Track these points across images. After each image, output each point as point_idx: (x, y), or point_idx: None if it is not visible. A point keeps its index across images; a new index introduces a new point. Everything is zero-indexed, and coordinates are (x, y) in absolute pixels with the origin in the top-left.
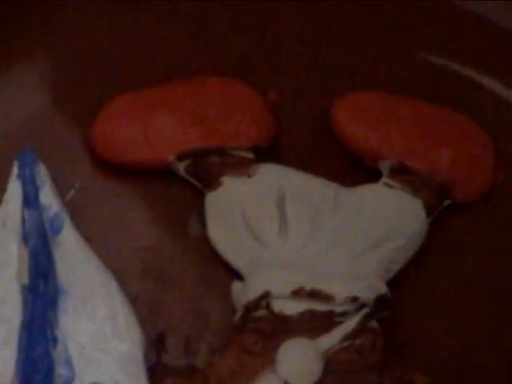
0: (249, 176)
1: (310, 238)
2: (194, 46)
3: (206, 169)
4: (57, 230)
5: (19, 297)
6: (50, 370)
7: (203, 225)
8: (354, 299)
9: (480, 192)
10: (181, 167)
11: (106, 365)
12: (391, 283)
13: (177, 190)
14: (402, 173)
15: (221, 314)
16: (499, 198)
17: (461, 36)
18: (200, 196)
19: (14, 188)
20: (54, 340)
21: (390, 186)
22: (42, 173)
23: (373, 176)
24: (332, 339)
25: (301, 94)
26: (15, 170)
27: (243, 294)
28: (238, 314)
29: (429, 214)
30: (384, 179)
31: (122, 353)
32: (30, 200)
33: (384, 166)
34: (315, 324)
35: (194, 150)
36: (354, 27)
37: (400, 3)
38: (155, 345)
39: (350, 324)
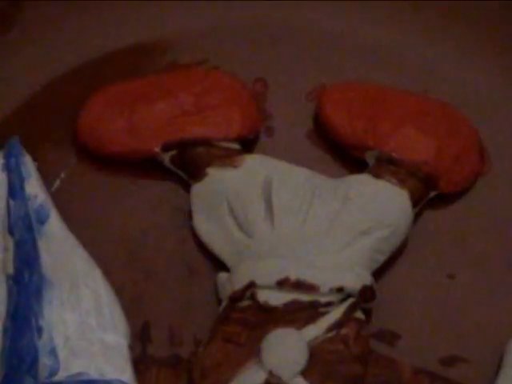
0: (235, 167)
1: (296, 228)
2: (180, 37)
3: (192, 160)
4: (42, 221)
5: (4, 287)
6: (34, 360)
7: (189, 215)
8: (339, 289)
9: (466, 183)
10: (166, 158)
11: (91, 355)
12: (376, 273)
13: (162, 181)
14: (387, 163)
15: (206, 305)
16: (485, 189)
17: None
18: (186, 187)
19: (0, 178)
20: (39, 330)
21: (376, 177)
22: (28, 163)
23: (359, 166)
24: (317, 329)
25: (287, 84)
26: (0, 161)
27: (228, 284)
28: (223, 305)
29: (414, 204)
30: (370, 170)
31: (107, 343)
32: (16, 190)
33: (370, 157)
34: (300, 314)
35: (180, 140)
36: (343, 16)
37: None
38: (140, 335)
39: (335, 314)
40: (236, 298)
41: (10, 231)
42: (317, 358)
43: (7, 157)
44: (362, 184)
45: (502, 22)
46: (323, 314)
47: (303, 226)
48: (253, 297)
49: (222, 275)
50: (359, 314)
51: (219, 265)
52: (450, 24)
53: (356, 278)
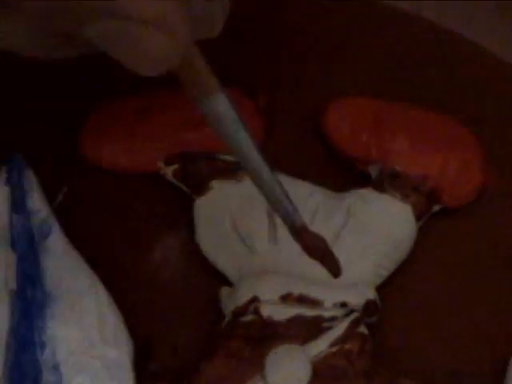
0: (238, 181)
1: None
2: None
3: (195, 174)
4: (45, 235)
5: (7, 302)
6: (37, 376)
7: (192, 230)
8: (343, 305)
9: (469, 197)
10: (169, 172)
11: (94, 371)
12: (380, 289)
13: (165, 195)
14: (391, 177)
15: (209, 320)
16: (488, 203)
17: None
18: (189, 201)
19: (2, 193)
20: (42, 346)
21: (380, 191)
22: (30, 178)
23: (362, 180)
24: (320, 345)
25: (290, 98)
26: (3, 175)
27: (231, 299)
28: (226, 320)
29: (418, 218)
30: (373, 184)
31: (110, 359)
32: (18, 205)
33: (374, 171)
34: (304, 329)
35: (182, 154)
36: (343, 32)
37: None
38: (143, 351)
39: (339, 329)
40: (239, 312)
41: (13, 246)
42: (320, 374)
43: (10, 171)
44: (365, 199)
45: None
46: (327, 328)
47: None
48: (256, 312)
49: (225, 290)
50: (363, 329)
51: (222, 279)
52: None
53: (359, 293)
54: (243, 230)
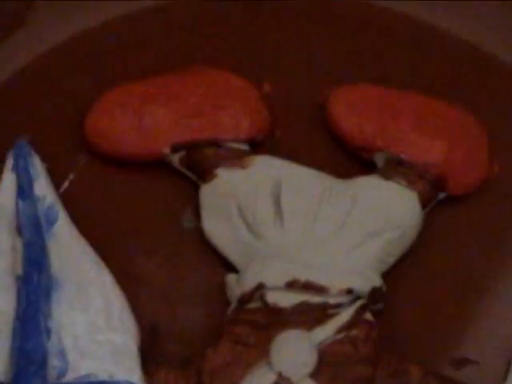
0: (244, 168)
1: (305, 229)
2: (188, 39)
3: (201, 161)
4: (51, 222)
5: (13, 288)
6: (43, 362)
7: (198, 217)
8: (349, 291)
9: (475, 184)
10: (175, 159)
11: (100, 356)
12: (386, 275)
13: (171, 182)
14: (397, 165)
15: (215, 307)
16: (494, 190)
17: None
18: (195, 188)
19: (9, 180)
20: (48, 331)
21: (385, 178)
22: (37, 164)
23: (368, 168)
24: (326, 331)
25: (296, 86)
26: (10, 162)
27: (237, 286)
28: (232, 306)
29: (424, 206)
30: (379, 171)
31: (116, 344)
32: (25, 191)
33: (379, 158)
34: (309, 316)
35: (189, 141)
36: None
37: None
38: (149, 337)
39: (345, 316)
40: (245, 299)
41: (19, 232)
42: (326, 360)
43: (16, 158)
44: (372, 186)
45: None
46: (332, 315)
47: (312, 228)
48: (262, 298)
49: (231, 277)
50: (368, 316)
51: (228, 266)
52: None
53: (365, 280)
54: (249, 216)
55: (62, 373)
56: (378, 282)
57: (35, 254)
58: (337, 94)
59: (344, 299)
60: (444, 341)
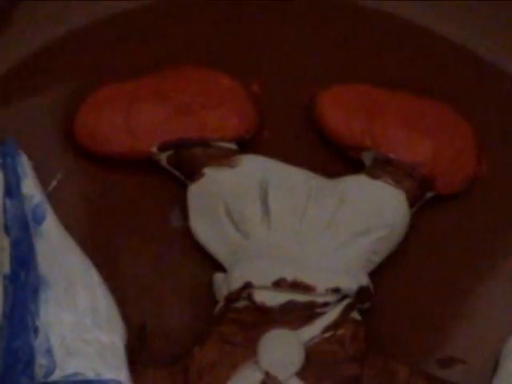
0: (232, 167)
1: (293, 229)
2: (176, 38)
3: (189, 160)
4: (39, 221)
5: (0, 287)
6: (30, 361)
7: (186, 216)
8: (336, 290)
9: (463, 184)
10: (163, 158)
11: (87, 355)
12: (373, 274)
13: (159, 181)
14: (384, 164)
15: (202, 306)
16: (482, 190)
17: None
18: (182, 187)
19: None
20: (35, 330)
21: (373, 177)
22: (24, 163)
23: (356, 167)
24: (313, 330)
25: (284, 85)
26: None
27: (225, 284)
28: (219, 305)
29: (411, 205)
30: (367, 170)
31: (104, 343)
32: (12, 190)
33: (367, 158)
34: (297, 315)
35: (176, 140)
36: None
37: None
38: (136, 336)
39: (332, 315)
40: (232, 298)
41: (6, 231)
42: (313, 359)
43: (3, 156)
44: (359, 184)
45: None
46: (320, 314)
47: (300, 227)
48: (249, 297)
49: (219, 276)
50: (356, 315)
51: (216, 265)
52: None
53: (352, 279)
54: (236, 215)
55: (50, 371)
56: (365, 281)
57: (22, 252)
58: (325, 94)
59: (331, 298)
60: (431, 340)
